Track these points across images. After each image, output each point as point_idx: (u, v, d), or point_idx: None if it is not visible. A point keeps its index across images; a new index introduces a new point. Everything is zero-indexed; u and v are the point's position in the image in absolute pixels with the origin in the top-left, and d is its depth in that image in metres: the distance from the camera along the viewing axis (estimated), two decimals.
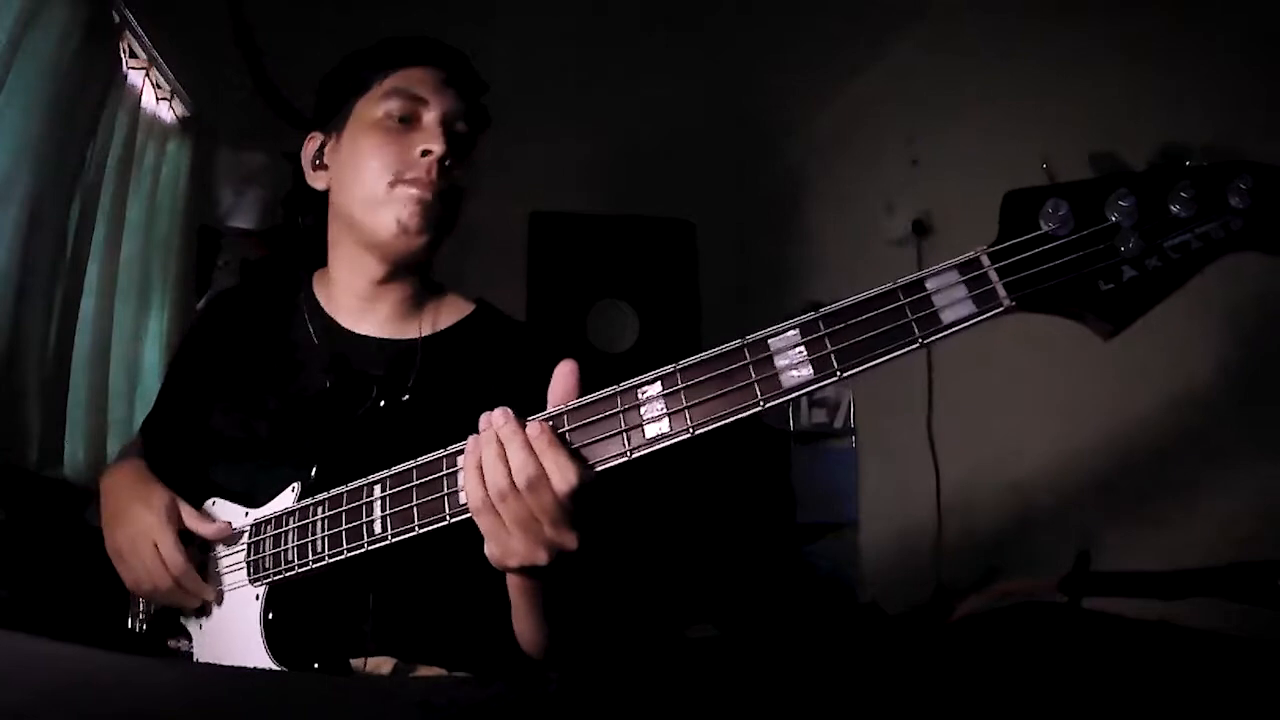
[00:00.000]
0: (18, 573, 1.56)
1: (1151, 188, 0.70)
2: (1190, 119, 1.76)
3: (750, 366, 0.76)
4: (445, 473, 0.86)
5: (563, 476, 0.78)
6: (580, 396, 0.82)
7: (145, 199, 2.48)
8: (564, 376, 0.83)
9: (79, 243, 2.08)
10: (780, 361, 0.75)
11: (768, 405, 0.75)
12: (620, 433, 0.79)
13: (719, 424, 0.76)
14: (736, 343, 0.77)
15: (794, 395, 0.75)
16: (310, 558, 0.94)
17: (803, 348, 0.75)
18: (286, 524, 0.97)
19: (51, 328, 1.98)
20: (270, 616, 0.97)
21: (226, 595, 1.02)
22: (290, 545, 0.96)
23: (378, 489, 0.90)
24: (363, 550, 0.90)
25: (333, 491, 0.94)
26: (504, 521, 0.80)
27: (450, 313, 1.20)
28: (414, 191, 1.08)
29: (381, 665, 1.01)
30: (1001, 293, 0.71)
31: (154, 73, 2.47)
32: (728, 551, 2.64)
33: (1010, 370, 2.16)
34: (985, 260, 0.72)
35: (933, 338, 0.73)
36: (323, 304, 1.20)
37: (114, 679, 0.64)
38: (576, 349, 0.91)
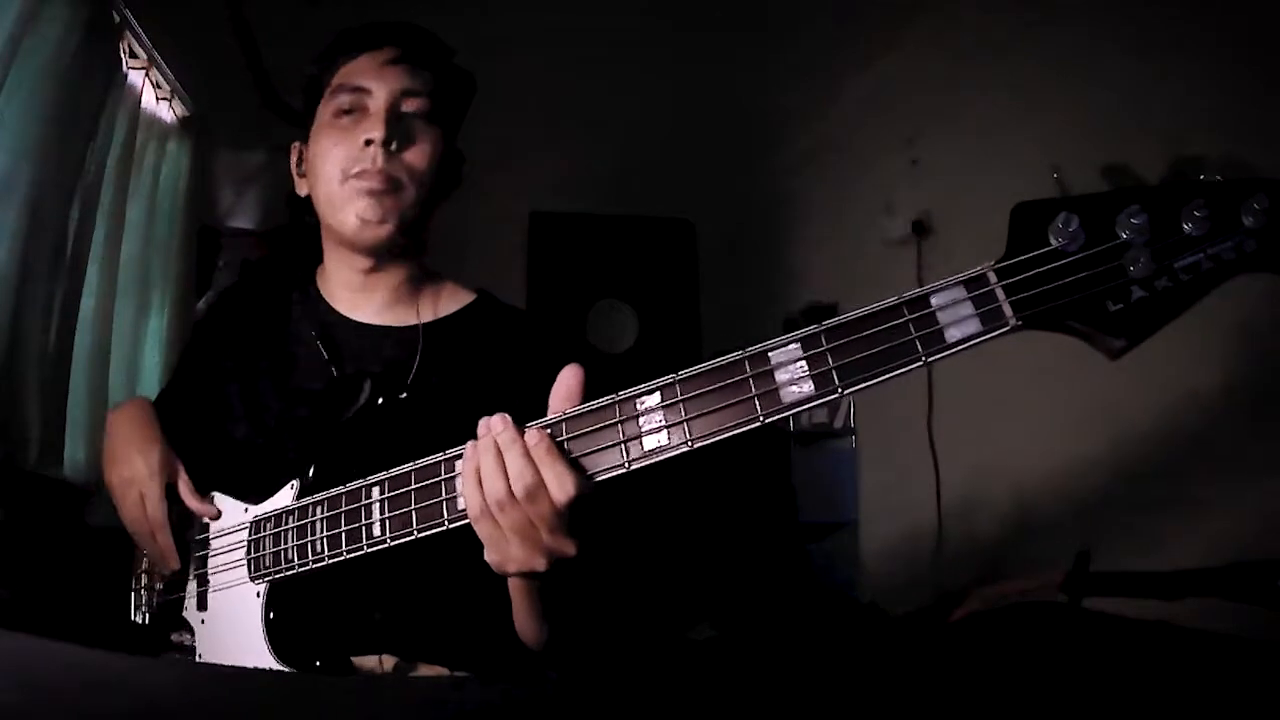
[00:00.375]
0: (18, 573, 1.56)
1: (1164, 204, 0.69)
2: (1193, 120, 1.76)
3: (750, 380, 0.75)
4: (444, 477, 0.85)
5: (561, 486, 0.77)
6: (584, 402, 0.81)
7: (145, 199, 2.48)
8: (568, 381, 0.82)
9: (79, 243, 2.08)
10: (781, 376, 0.74)
11: (767, 421, 0.74)
12: (619, 443, 0.78)
13: (718, 438, 0.75)
14: (737, 354, 0.76)
15: (793, 411, 0.74)
16: (310, 557, 0.94)
17: (804, 363, 0.74)
18: (286, 523, 0.97)
19: (51, 328, 1.98)
20: (271, 614, 0.97)
21: (227, 591, 1.02)
22: (290, 544, 0.96)
23: (376, 491, 0.90)
24: (362, 552, 0.90)
25: (331, 492, 0.94)
26: (502, 529, 0.79)
27: (451, 301, 1.20)
28: (362, 184, 1.08)
29: (382, 664, 1.01)
30: (1008, 312, 0.70)
31: (154, 73, 2.47)
32: (729, 552, 2.63)
33: (1010, 371, 2.15)
34: (993, 277, 0.71)
35: (936, 356, 0.71)
36: (325, 296, 1.21)
37: (114, 679, 0.64)
38: (577, 342, 0.91)
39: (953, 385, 2.50)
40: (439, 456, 0.86)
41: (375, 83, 1.11)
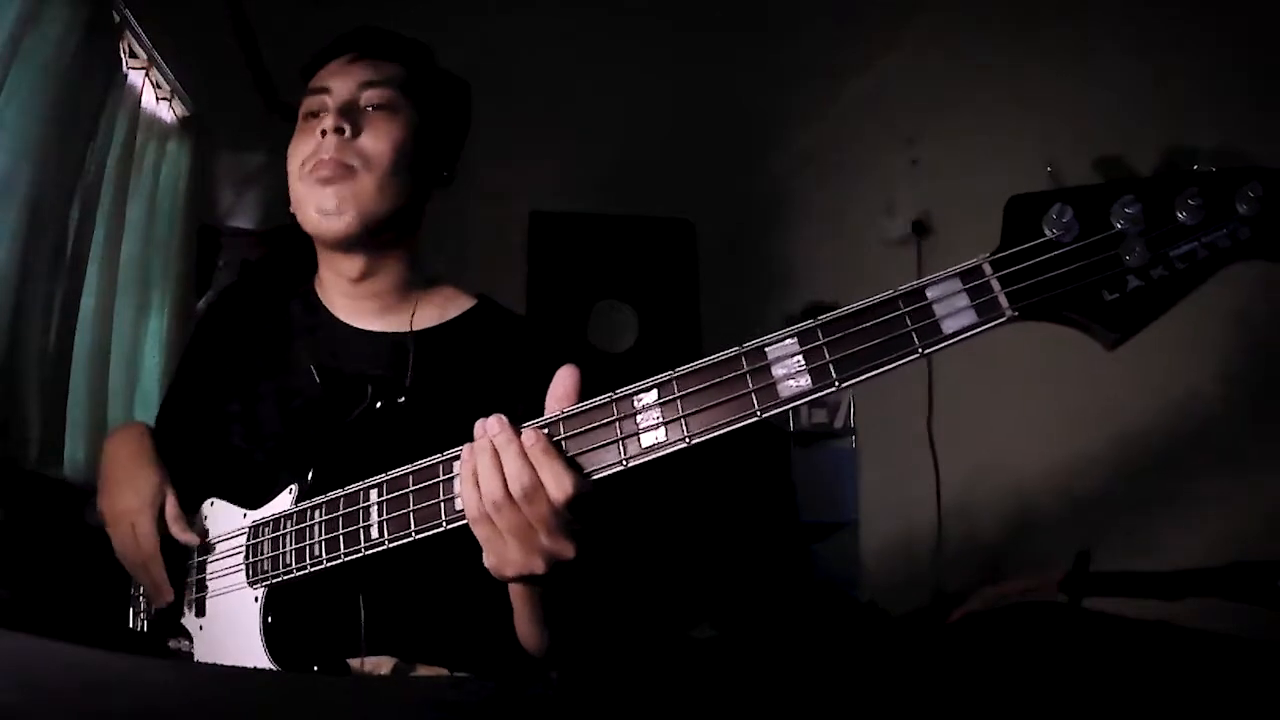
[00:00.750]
0: (18, 573, 1.56)
1: (1158, 194, 0.69)
2: (1193, 118, 1.76)
3: (747, 375, 0.75)
4: (442, 479, 0.85)
5: (559, 485, 0.77)
6: (580, 402, 0.81)
7: (145, 199, 2.48)
8: (564, 380, 0.82)
9: (79, 243, 2.08)
10: (778, 371, 0.74)
11: (764, 415, 0.74)
12: (616, 441, 0.78)
13: (715, 433, 0.75)
14: (734, 351, 0.76)
15: (791, 405, 0.74)
16: (308, 561, 0.94)
17: (800, 357, 0.74)
18: (284, 527, 0.97)
19: (51, 328, 1.98)
20: (270, 619, 0.97)
21: (225, 596, 1.02)
22: (289, 548, 0.96)
23: (374, 494, 0.89)
24: (360, 555, 0.90)
25: (329, 495, 0.94)
26: (500, 531, 0.79)
27: (451, 306, 1.20)
28: (315, 174, 1.09)
29: (381, 665, 1.01)
30: (1004, 303, 0.70)
31: (154, 73, 2.47)
32: (729, 552, 2.64)
33: (1010, 370, 2.16)
34: (987, 269, 0.71)
35: (933, 348, 0.72)
36: (322, 299, 1.21)
37: (114, 679, 0.64)
38: (577, 346, 0.91)
39: (952, 385, 2.50)
40: (437, 458, 0.86)
41: (335, 81, 1.13)
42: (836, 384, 0.73)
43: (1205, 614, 1.26)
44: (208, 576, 1.05)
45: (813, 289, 3.20)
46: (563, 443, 0.80)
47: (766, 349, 0.75)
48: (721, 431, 0.75)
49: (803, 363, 0.74)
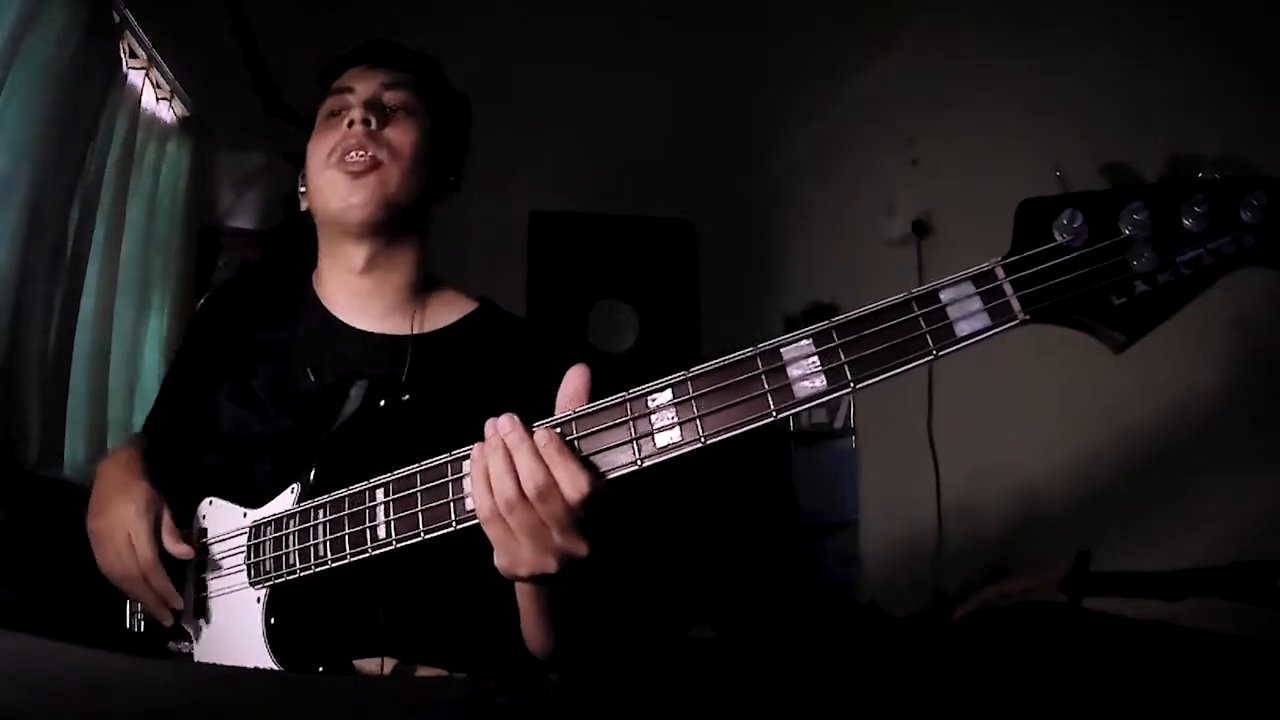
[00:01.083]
0: (18, 573, 1.56)
1: (1165, 201, 0.70)
2: (1192, 120, 1.76)
3: (763, 376, 0.75)
4: (450, 478, 0.85)
5: (574, 485, 0.77)
6: (590, 402, 0.81)
7: (145, 199, 2.48)
8: (575, 379, 0.82)
9: (79, 243, 2.09)
10: (793, 371, 0.75)
11: (780, 415, 0.75)
12: (631, 441, 0.78)
13: (731, 434, 0.75)
14: (749, 351, 0.77)
15: (807, 406, 0.75)
16: (313, 561, 0.93)
17: (816, 358, 0.75)
18: (287, 527, 0.96)
19: (51, 328, 1.98)
20: (272, 619, 0.96)
21: (226, 597, 1.02)
22: (292, 549, 0.95)
23: (380, 494, 0.89)
24: (367, 555, 0.89)
25: (334, 495, 0.93)
26: (512, 531, 0.79)
27: (452, 309, 1.20)
28: (345, 163, 1.11)
29: (383, 666, 1.01)
30: (1016, 306, 0.71)
31: (154, 73, 2.47)
32: (729, 552, 2.64)
33: (1010, 370, 2.16)
34: (1000, 272, 0.72)
35: (946, 350, 0.72)
36: (321, 299, 1.21)
37: (114, 679, 0.64)
38: (579, 346, 0.91)
39: (953, 385, 2.50)
40: (445, 457, 0.86)
41: (358, 82, 1.17)
42: (852, 385, 0.74)
43: (1205, 614, 1.26)
44: (207, 577, 1.04)
45: (813, 289, 3.20)
46: (576, 442, 0.80)
47: (782, 350, 0.76)
48: (737, 432, 0.75)
49: (818, 364, 0.74)
